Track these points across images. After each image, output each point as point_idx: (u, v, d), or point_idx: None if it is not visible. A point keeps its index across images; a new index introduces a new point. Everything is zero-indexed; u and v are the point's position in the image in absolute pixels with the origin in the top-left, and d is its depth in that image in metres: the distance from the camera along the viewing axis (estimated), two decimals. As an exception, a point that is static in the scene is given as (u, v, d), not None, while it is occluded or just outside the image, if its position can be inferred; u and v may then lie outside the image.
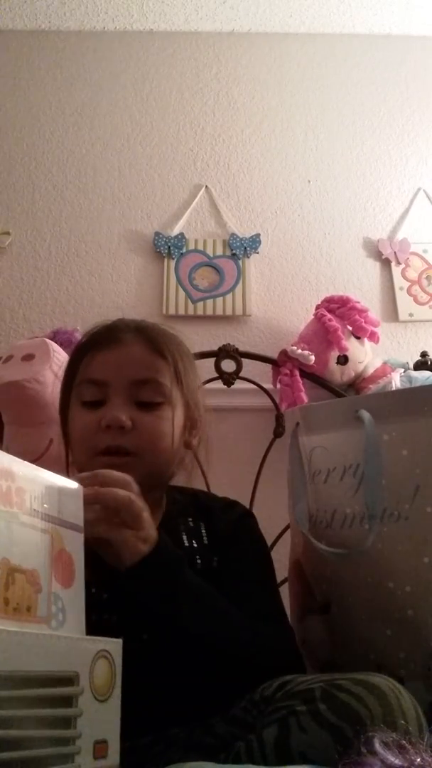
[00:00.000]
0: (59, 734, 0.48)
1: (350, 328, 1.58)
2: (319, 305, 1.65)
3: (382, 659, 0.83)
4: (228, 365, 1.57)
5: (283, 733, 0.59)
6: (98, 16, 1.95)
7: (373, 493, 0.86)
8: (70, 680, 0.50)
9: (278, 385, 1.59)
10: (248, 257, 1.79)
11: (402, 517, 0.84)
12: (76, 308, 1.75)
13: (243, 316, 1.74)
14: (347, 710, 0.57)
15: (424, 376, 1.57)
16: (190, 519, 0.88)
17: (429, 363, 1.63)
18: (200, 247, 1.80)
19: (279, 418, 1.55)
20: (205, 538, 0.87)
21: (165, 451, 0.86)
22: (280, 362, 1.59)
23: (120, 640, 0.57)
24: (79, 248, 1.81)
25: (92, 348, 0.90)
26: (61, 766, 0.47)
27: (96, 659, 0.52)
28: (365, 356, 1.60)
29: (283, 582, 1.03)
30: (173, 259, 1.78)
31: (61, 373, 1.34)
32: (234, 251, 1.79)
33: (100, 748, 0.51)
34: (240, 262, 1.78)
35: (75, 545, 0.63)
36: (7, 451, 0.58)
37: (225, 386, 1.54)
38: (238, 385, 1.56)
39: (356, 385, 1.61)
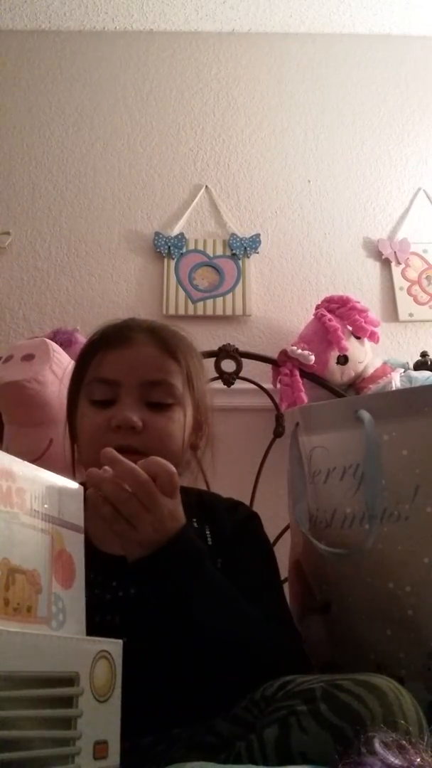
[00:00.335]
0: (59, 735, 0.48)
1: (350, 328, 1.58)
2: (319, 305, 1.65)
3: (382, 659, 0.83)
4: (228, 365, 1.57)
5: (284, 732, 0.59)
6: (98, 16, 1.95)
7: (373, 493, 0.86)
8: (70, 681, 0.50)
9: (278, 385, 1.59)
10: (248, 257, 1.79)
11: (402, 517, 0.84)
12: (76, 308, 1.75)
13: (243, 316, 1.74)
14: (348, 710, 0.57)
15: (424, 376, 1.56)
16: (195, 520, 0.88)
17: (429, 363, 1.63)
18: (200, 247, 1.81)
19: (279, 418, 1.55)
20: (209, 539, 0.87)
21: (174, 452, 0.86)
22: (280, 362, 1.59)
23: (120, 641, 0.57)
24: (79, 248, 1.81)
25: (104, 347, 0.89)
26: (61, 767, 0.47)
27: (96, 660, 0.52)
28: (365, 356, 1.60)
29: (283, 582, 1.03)
30: (173, 259, 1.78)
31: (60, 372, 1.35)
32: (234, 251, 1.79)
33: (100, 749, 0.51)
34: (240, 262, 1.78)
35: (75, 545, 0.63)
36: (7, 451, 0.58)
37: (225, 386, 1.54)
38: (238, 385, 1.56)
39: (356, 385, 1.61)
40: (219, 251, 1.80)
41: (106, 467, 0.70)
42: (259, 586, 0.86)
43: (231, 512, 0.94)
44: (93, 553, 0.80)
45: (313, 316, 1.64)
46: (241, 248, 1.79)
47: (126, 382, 0.85)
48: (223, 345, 1.58)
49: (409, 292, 1.80)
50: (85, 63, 1.97)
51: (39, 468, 0.61)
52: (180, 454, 0.87)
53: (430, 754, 0.50)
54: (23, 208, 1.84)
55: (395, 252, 1.83)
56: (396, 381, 1.56)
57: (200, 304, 1.74)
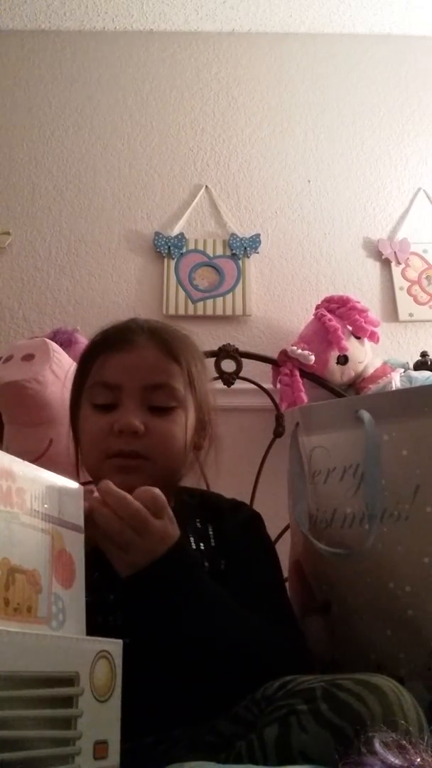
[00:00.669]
0: (59, 735, 0.48)
1: (350, 328, 1.58)
2: (319, 305, 1.65)
3: (382, 659, 0.83)
4: (228, 365, 1.57)
5: (284, 732, 0.59)
6: (98, 16, 1.95)
7: (373, 493, 0.86)
8: (70, 681, 0.50)
9: (278, 385, 1.59)
10: (248, 257, 1.79)
11: (402, 517, 0.84)
12: (76, 308, 1.75)
13: (243, 316, 1.74)
14: (348, 710, 0.57)
15: (424, 376, 1.57)
16: (198, 520, 0.88)
17: (429, 363, 1.63)
18: (200, 247, 1.81)
19: (279, 418, 1.55)
20: (212, 540, 0.87)
21: (177, 455, 0.86)
22: (280, 362, 1.59)
23: (120, 641, 0.57)
24: (79, 248, 1.81)
25: (105, 350, 0.89)
26: (61, 767, 0.47)
27: (96, 660, 0.52)
28: (365, 356, 1.60)
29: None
30: (173, 259, 1.78)
31: (60, 372, 1.35)
32: (234, 251, 1.79)
33: (100, 749, 0.51)
34: (240, 262, 1.78)
35: (75, 545, 0.63)
36: (7, 451, 0.58)
37: (225, 386, 1.54)
38: (238, 385, 1.56)
39: (356, 385, 1.61)
40: (219, 251, 1.80)
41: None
42: (263, 586, 0.86)
43: (234, 512, 0.93)
44: (96, 553, 0.80)
45: (313, 316, 1.64)
46: (241, 248, 1.79)
47: (127, 386, 0.85)
48: (223, 345, 1.58)
49: (409, 292, 1.80)
50: (85, 63, 1.97)
51: (39, 468, 0.61)
52: (182, 457, 0.87)
53: (430, 754, 0.50)
54: (23, 208, 1.84)
55: (395, 252, 1.83)
56: (396, 381, 1.56)
57: (200, 304, 1.74)
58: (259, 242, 1.81)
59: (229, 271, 1.77)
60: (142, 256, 1.81)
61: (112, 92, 1.95)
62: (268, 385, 1.59)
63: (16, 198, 1.85)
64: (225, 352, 1.57)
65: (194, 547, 0.84)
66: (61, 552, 0.60)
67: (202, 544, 0.85)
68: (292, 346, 1.59)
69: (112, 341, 0.90)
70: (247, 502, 1.39)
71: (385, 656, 0.83)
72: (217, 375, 1.54)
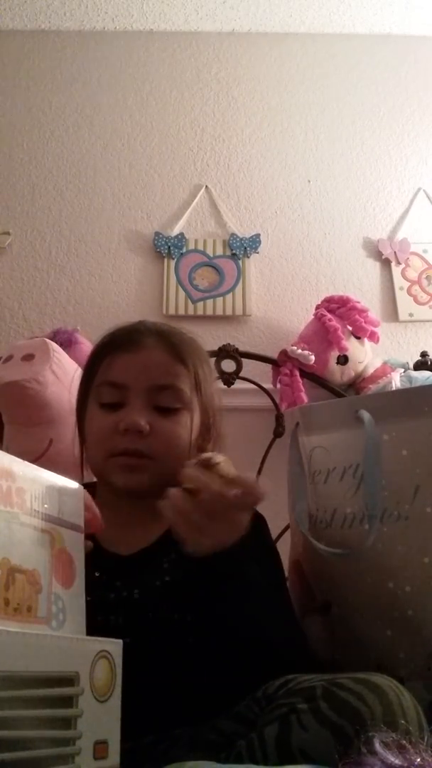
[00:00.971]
0: (59, 735, 0.48)
1: (350, 328, 1.58)
2: (319, 305, 1.65)
3: (382, 659, 0.83)
4: (228, 365, 1.57)
5: (284, 730, 0.59)
6: (98, 16, 1.95)
7: (373, 493, 0.86)
8: (70, 680, 0.50)
9: (278, 385, 1.59)
10: (248, 257, 1.79)
11: (402, 517, 0.84)
12: (76, 308, 1.75)
13: (243, 316, 1.74)
14: (348, 708, 0.57)
15: (424, 376, 1.57)
16: None
17: (429, 363, 1.63)
18: (200, 247, 1.81)
19: (279, 418, 1.55)
20: None
21: (181, 456, 0.86)
22: (280, 362, 1.59)
23: (120, 641, 0.57)
24: (79, 248, 1.81)
25: (113, 350, 0.90)
26: (61, 767, 0.47)
27: (96, 659, 0.52)
28: (365, 356, 1.60)
29: (283, 582, 1.03)
30: (173, 259, 1.78)
31: (61, 373, 1.35)
32: (234, 251, 1.79)
33: (100, 749, 0.51)
34: (240, 262, 1.78)
35: (75, 545, 0.63)
36: (7, 451, 0.58)
37: (225, 386, 1.54)
38: (238, 385, 1.56)
39: (356, 385, 1.61)
40: (219, 251, 1.80)
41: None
42: (269, 594, 0.85)
43: None
44: (98, 552, 0.81)
45: (313, 316, 1.64)
46: (241, 248, 1.79)
47: (134, 385, 0.86)
48: (223, 345, 1.58)
49: (409, 292, 1.80)
50: (85, 63, 1.97)
51: (39, 468, 0.61)
52: (186, 458, 0.88)
53: (430, 754, 0.50)
54: (23, 208, 1.84)
55: (395, 252, 1.83)
56: (396, 381, 1.56)
57: (200, 304, 1.74)
58: (259, 242, 1.81)
59: (229, 271, 1.77)
60: (142, 256, 1.81)
61: (112, 92, 1.95)
62: (268, 385, 1.59)
63: (16, 198, 1.85)
64: (225, 352, 1.57)
65: None
66: (61, 552, 0.60)
67: None
68: (292, 346, 1.59)
69: (120, 342, 0.91)
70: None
71: (385, 656, 0.83)
72: (217, 375, 1.54)
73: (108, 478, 0.84)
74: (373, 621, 0.85)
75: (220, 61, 1.99)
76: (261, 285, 1.80)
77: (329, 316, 1.58)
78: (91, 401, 0.90)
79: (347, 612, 0.89)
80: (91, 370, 0.92)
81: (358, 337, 1.59)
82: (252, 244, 1.80)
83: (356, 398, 1.27)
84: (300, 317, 1.73)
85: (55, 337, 1.54)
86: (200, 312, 1.73)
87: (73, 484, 0.66)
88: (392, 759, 0.48)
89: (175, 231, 1.81)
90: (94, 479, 0.92)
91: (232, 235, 1.81)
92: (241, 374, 1.56)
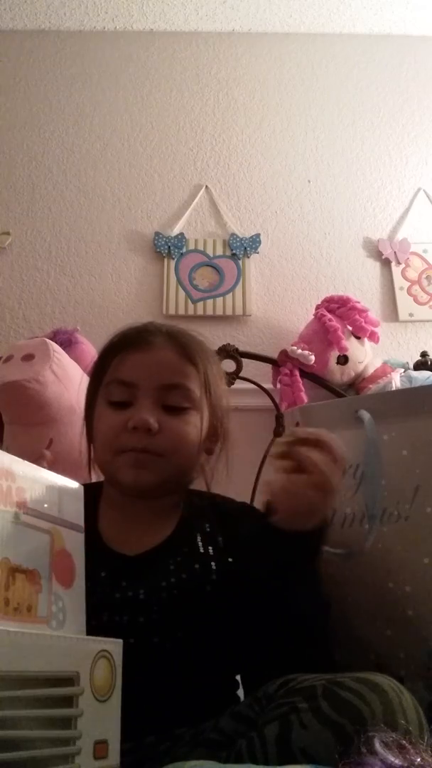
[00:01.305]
0: (59, 734, 0.48)
1: (350, 328, 1.58)
2: (319, 305, 1.65)
3: (382, 659, 0.83)
4: (228, 365, 1.56)
5: (284, 729, 0.59)
6: (98, 16, 1.95)
7: (373, 494, 0.86)
8: (70, 680, 0.50)
9: (278, 385, 1.59)
10: (248, 257, 1.79)
11: (402, 517, 0.84)
12: (76, 308, 1.75)
13: (243, 316, 1.74)
14: (348, 707, 0.57)
15: (424, 376, 1.56)
16: (208, 525, 0.88)
17: (429, 363, 1.63)
18: (200, 247, 1.81)
19: (279, 418, 1.55)
20: (221, 543, 0.87)
21: (188, 455, 0.86)
22: (280, 362, 1.59)
23: (120, 641, 0.57)
24: (79, 248, 1.81)
25: (123, 349, 0.90)
26: (61, 766, 0.47)
27: (96, 659, 0.52)
28: (365, 356, 1.60)
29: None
30: (173, 259, 1.78)
31: (60, 372, 1.35)
32: (234, 251, 1.79)
33: (100, 748, 0.51)
34: (240, 262, 1.78)
35: (75, 545, 0.63)
36: (7, 451, 0.58)
37: (225, 386, 1.54)
38: (238, 385, 1.56)
39: (356, 385, 1.61)
40: (219, 251, 1.80)
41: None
42: None
43: (245, 517, 0.93)
44: (104, 552, 0.80)
45: (313, 316, 1.64)
46: (241, 248, 1.79)
47: (143, 384, 0.86)
48: (223, 345, 1.58)
49: (409, 292, 1.80)
50: (85, 63, 1.97)
51: (39, 468, 0.61)
52: (194, 458, 0.88)
53: (430, 754, 0.50)
54: (23, 208, 1.84)
55: (395, 252, 1.83)
56: (396, 381, 1.56)
57: (200, 304, 1.74)
58: (259, 242, 1.81)
59: (229, 271, 1.77)
60: (142, 256, 1.81)
61: (112, 92, 1.95)
62: (268, 385, 1.59)
63: (16, 198, 1.85)
64: (225, 352, 1.57)
65: (202, 550, 0.84)
66: (61, 552, 0.60)
67: (210, 548, 0.84)
68: (292, 346, 1.59)
69: (130, 341, 0.91)
70: (247, 502, 1.39)
71: (385, 656, 0.83)
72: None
73: (115, 476, 0.84)
74: (373, 621, 0.85)
75: (220, 61, 1.99)
76: (261, 285, 1.80)
77: (329, 316, 1.58)
78: (99, 400, 0.90)
79: (347, 612, 0.89)
80: (101, 368, 0.92)
81: (358, 337, 1.59)
82: (252, 244, 1.80)
83: (356, 398, 1.27)
84: (300, 317, 1.73)
85: (55, 337, 1.54)
86: (200, 312, 1.73)
87: (73, 484, 0.66)
88: (392, 759, 0.48)
89: (175, 231, 1.81)
90: (102, 479, 0.92)
91: (232, 235, 1.81)
92: (241, 374, 1.56)
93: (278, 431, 1.53)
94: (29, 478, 0.59)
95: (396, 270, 1.82)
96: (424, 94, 2.00)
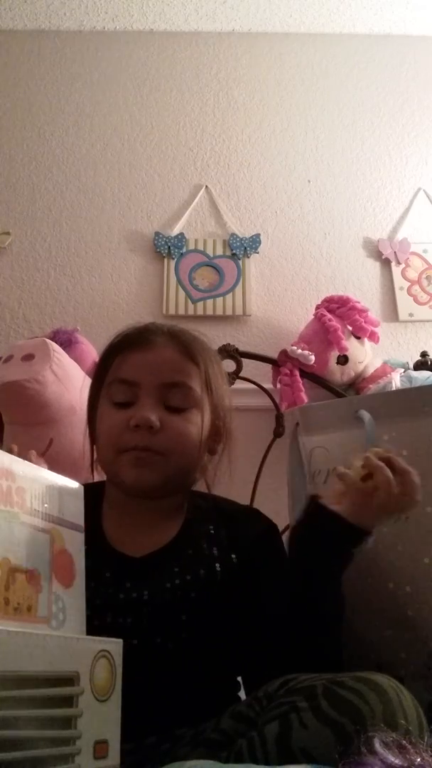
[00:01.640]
0: (60, 734, 0.48)
1: (350, 328, 1.58)
2: (319, 305, 1.65)
3: (382, 659, 0.83)
4: (228, 365, 1.56)
5: (285, 729, 0.59)
6: (98, 16, 1.95)
7: (373, 493, 0.86)
8: (70, 680, 0.50)
9: (278, 385, 1.59)
10: (248, 257, 1.79)
11: (402, 517, 0.84)
12: (76, 308, 1.75)
13: (243, 316, 1.74)
14: (348, 707, 0.57)
15: (424, 376, 1.56)
16: (212, 526, 0.88)
17: (429, 363, 1.63)
18: (200, 247, 1.80)
19: (279, 418, 1.55)
20: (225, 545, 0.86)
21: (190, 454, 0.86)
22: (280, 362, 1.59)
23: (120, 641, 0.57)
24: (79, 248, 1.81)
25: (124, 349, 0.90)
26: (61, 766, 0.47)
27: (96, 659, 0.52)
28: (365, 356, 1.60)
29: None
30: (173, 259, 1.78)
31: (60, 372, 1.35)
32: (234, 251, 1.79)
33: (100, 748, 0.51)
34: (240, 262, 1.78)
35: (75, 545, 0.63)
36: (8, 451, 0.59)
37: (227, 386, 1.54)
38: (238, 385, 1.56)
39: (356, 385, 1.61)
40: (219, 251, 1.80)
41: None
42: (283, 596, 0.85)
43: (249, 521, 0.93)
44: (109, 552, 0.81)
45: (313, 316, 1.64)
46: (241, 248, 1.79)
47: (145, 383, 0.86)
48: (223, 345, 1.58)
49: (409, 292, 1.80)
50: (85, 63, 1.97)
51: (39, 468, 0.62)
52: (196, 457, 0.88)
53: (430, 754, 0.50)
54: (23, 208, 1.84)
55: (395, 252, 1.83)
56: (396, 381, 1.56)
57: (200, 304, 1.74)
58: (259, 242, 1.81)
59: (229, 271, 1.77)
60: (142, 256, 1.81)
61: (112, 92, 1.95)
62: (268, 385, 1.59)
63: (16, 198, 1.85)
64: (225, 352, 1.57)
65: (206, 552, 0.84)
66: (61, 551, 0.60)
67: (215, 549, 0.84)
68: (292, 346, 1.59)
69: (132, 340, 0.91)
70: (247, 502, 1.39)
71: (385, 656, 0.83)
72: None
73: (118, 475, 0.84)
74: (374, 621, 0.85)
75: (220, 61, 1.99)
76: (261, 285, 1.80)
77: (329, 316, 1.58)
78: (102, 399, 0.90)
79: (347, 612, 0.89)
80: (103, 368, 0.92)
81: (358, 337, 1.59)
82: (252, 244, 1.80)
83: (356, 398, 1.27)
84: (300, 317, 1.73)
85: (55, 337, 1.54)
86: (200, 312, 1.73)
87: (73, 484, 0.66)
88: (392, 759, 0.48)
89: (175, 231, 1.81)
90: (104, 479, 0.92)
91: (232, 235, 1.81)
92: (241, 374, 1.56)
93: (278, 431, 1.53)
94: (29, 478, 0.59)
95: (396, 270, 1.82)
96: (424, 94, 1.99)
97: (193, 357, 0.89)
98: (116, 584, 0.78)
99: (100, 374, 0.92)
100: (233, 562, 0.84)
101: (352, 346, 1.57)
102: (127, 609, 0.76)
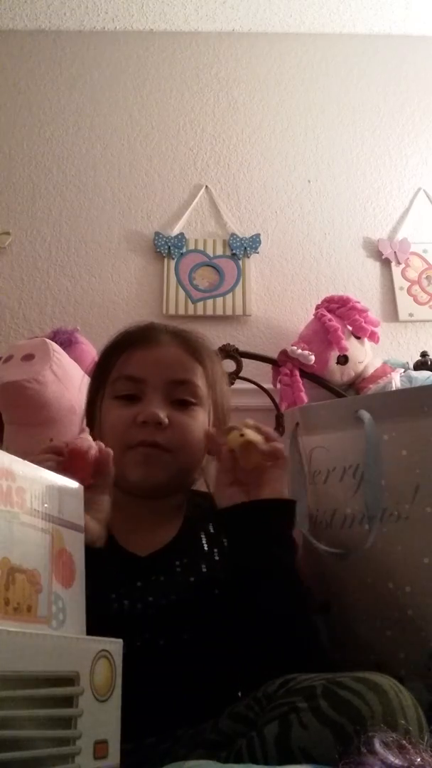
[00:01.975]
0: (59, 734, 0.48)
1: (350, 328, 1.58)
2: (319, 305, 1.65)
3: (382, 659, 0.83)
4: (228, 365, 1.56)
5: (284, 729, 0.59)
6: (98, 16, 1.95)
7: (372, 494, 0.86)
8: (70, 680, 0.50)
9: (278, 385, 1.59)
10: (248, 257, 1.79)
11: (402, 518, 0.84)
12: (76, 308, 1.75)
13: (243, 316, 1.74)
14: (348, 707, 0.57)
15: (424, 376, 1.56)
16: (212, 525, 0.88)
17: (429, 363, 1.63)
18: (200, 247, 1.81)
19: (279, 418, 1.54)
20: (225, 543, 0.87)
21: (196, 451, 0.87)
22: (280, 362, 1.59)
23: (120, 641, 0.56)
24: (79, 248, 1.81)
25: (129, 346, 0.91)
26: (61, 766, 0.47)
27: (96, 659, 0.52)
28: (365, 356, 1.60)
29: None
30: (173, 259, 1.78)
31: (60, 372, 1.35)
32: (234, 251, 1.79)
33: (100, 748, 0.51)
34: (240, 262, 1.78)
35: (75, 545, 0.63)
36: (7, 451, 0.58)
37: (228, 386, 1.54)
38: (238, 385, 1.56)
39: (356, 385, 1.61)
40: (219, 251, 1.80)
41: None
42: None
43: None
44: (119, 552, 0.80)
45: (313, 316, 1.64)
46: (241, 248, 1.79)
47: (152, 379, 0.86)
48: (223, 345, 1.58)
49: (409, 292, 1.80)
50: (85, 63, 1.97)
51: (39, 467, 0.61)
52: (200, 455, 0.88)
53: (430, 754, 0.50)
54: (23, 208, 1.84)
55: (395, 252, 1.83)
56: (396, 381, 1.56)
57: (200, 304, 1.74)
58: (259, 242, 1.81)
59: (229, 271, 1.77)
60: (142, 256, 1.81)
61: (112, 92, 1.95)
62: (268, 385, 1.59)
63: (16, 198, 1.85)
64: (225, 352, 1.57)
65: (206, 549, 0.84)
66: (61, 551, 0.60)
67: (215, 549, 0.84)
68: (292, 346, 1.59)
69: (136, 338, 0.92)
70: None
71: (385, 656, 0.83)
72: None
73: (124, 473, 0.84)
74: (373, 621, 0.85)
75: (220, 61, 1.99)
76: (261, 285, 1.80)
77: (329, 316, 1.58)
78: (106, 397, 0.90)
79: (347, 612, 0.89)
80: (105, 366, 0.92)
81: (358, 337, 1.59)
82: (252, 244, 1.80)
83: (356, 398, 1.27)
84: (300, 317, 1.73)
85: (55, 337, 1.54)
86: (200, 312, 1.73)
87: (73, 484, 0.66)
88: (392, 759, 0.48)
89: (175, 231, 1.81)
90: None
91: (232, 235, 1.81)
92: (241, 374, 1.56)
93: (278, 431, 1.53)
94: (29, 478, 0.59)
95: (396, 270, 1.82)
96: (424, 94, 2.00)
97: (197, 355, 0.90)
98: (127, 583, 0.78)
99: (102, 372, 0.92)
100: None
101: (352, 346, 1.57)
102: (135, 608, 0.76)
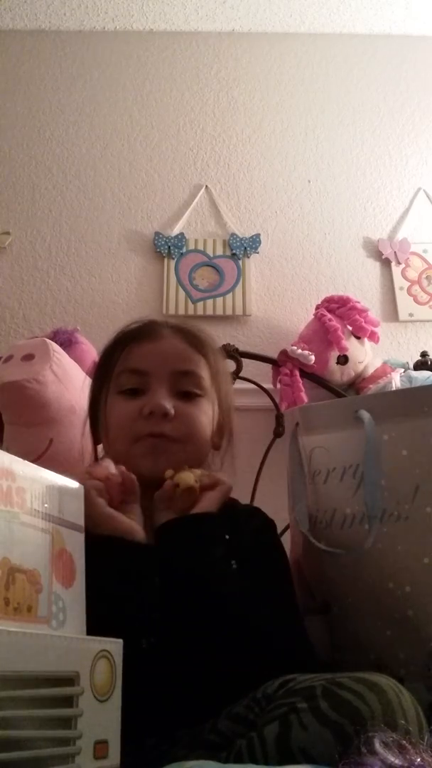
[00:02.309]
0: (59, 734, 0.48)
1: (350, 328, 1.58)
2: (319, 305, 1.65)
3: (382, 659, 0.83)
4: (228, 365, 1.56)
5: (284, 730, 0.59)
6: (98, 16, 1.95)
7: (372, 494, 0.86)
8: (70, 680, 0.50)
9: (278, 385, 1.59)
10: (248, 257, 1.79)
11: (402, 517, 0.84)
12: (76, 308, 1.75)
13: (243, 316, 1.74)
14: (348, 707, 0.57)
15: (424, 376, 1.56)
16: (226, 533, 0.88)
17: (429, 363, 1.63)
18: (200, 247, 1.80)
19: (279, 418, 1.55)
20: (227, 542, 0.86)
21: (203, 442, 0.88)
22: (280, 362, 1.59)
23: (120, 641, 0.56)
24: (79, 248, 1.81)
25: (132, 340, 0.91)
26: (61, 766, 0.47)
27: (96, 659, 0.52)
28: (365, 356, 1.60)
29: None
30: (173, 259, 1.78)
31: (60, 372, 1.35)
32: (234, 251, 1.79)
33: (100, 748, 0.51)
34: (240, 262, 1.78)
35: (75, 545, 0.63)
36: (7, 451, 0.58)
37: (230, 383, 1.54)
38: (238, 385, 1.56)
39: (356, 385, 1.61)
40: (219, 251, 1.80)
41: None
42: (273, 591, 0.85)
43: (250, 519, 0.93)
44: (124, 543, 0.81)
45: (313, 316, 1.64)
46: (241, 248, 1.79)
47: (156, 372, 0.87)
48: (223, 345, 1.58)
49: (409, 292, 1.80)
50: (85, 63, 1.97)
51: (39, 467, 0.61)
52: (205, 447, 0.89)
53: (430, 754, 0.50)
54: (23, 208, 1.84)
55: (395, 252, 1.83)
56: (396, 381, 1.56)
57: (200, 304, 1.74)
58: (259, 242, 1.81)
59: (229, 271, 1.77)
60: (142, 256, 1.81)
61: (112, 92, 1.95)
62: (268, 385, 1.59)
63: (16, 198, 1.85)
64: (225, 352, 1.57)
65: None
66: (61, 551, 0.60)
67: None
68: (292, 346, 1.59)
69: (138, 332, 0.92)
70: (247, 502, 1.39)
71: (385, 656, 0.83)
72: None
73: (132, 466, 0.84)
74: (373, 621, 0.85)
75: (220, 61, 1.99)
76: (261, 285, 1.80)
77: (329, 316, 1.58)
78: (111, 390, 0.90)
79: (347, 612, 0.89)
80: (108, 363, 0.92)
81: (358, 337, 1.59)
82: (252, 244, 1.80)
83: (356, 398, 1.27)
84: (300, 317, 1.73)
85: (55, 337, 1.54)
86: (200, 312, 1.73)
87: (73, 484, 0.66)
88: (392, 759, 0.48)
89: (175, 231, 1.81)
90: None
91: (232, 235, 1.81)
92: (241, 374, 1.56)
93: (278, 431, 1.53)
94: (29, 478, 0.59)
95: (396, 270, 1.82)
96: (424, 94, 2.00)
97: (200, 348, 0.91)
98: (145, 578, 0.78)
99: (105, 369, 0.93)
100: (229, 559, 0.84)
101: (352, 346, 1.57)
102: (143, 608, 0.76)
